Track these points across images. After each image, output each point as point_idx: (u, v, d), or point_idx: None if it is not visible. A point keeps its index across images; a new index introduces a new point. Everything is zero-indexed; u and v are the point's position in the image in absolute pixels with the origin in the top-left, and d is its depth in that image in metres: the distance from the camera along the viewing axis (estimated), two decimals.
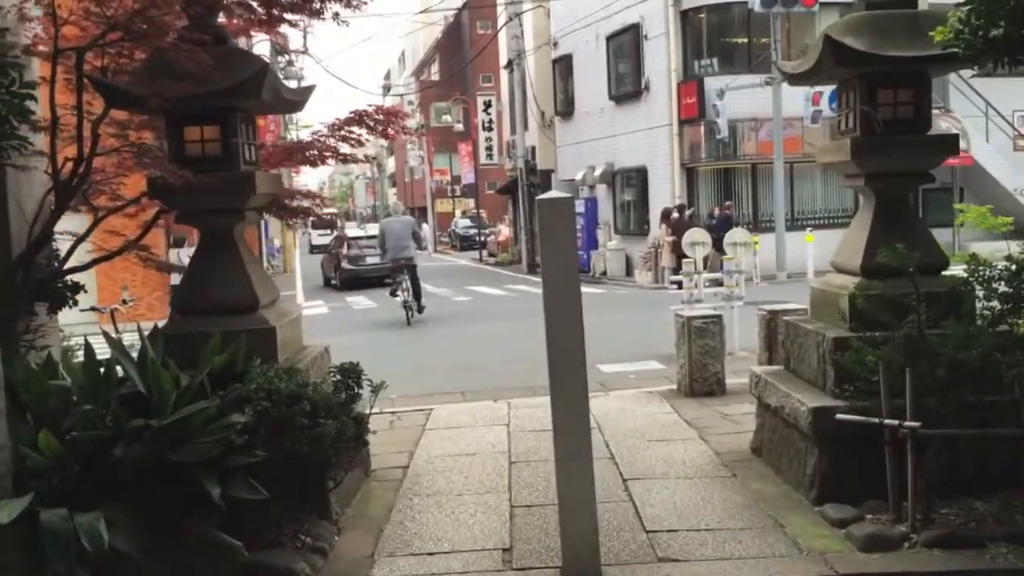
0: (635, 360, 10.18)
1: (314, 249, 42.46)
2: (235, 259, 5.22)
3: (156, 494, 4.10)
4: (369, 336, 14.09)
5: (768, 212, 21.32)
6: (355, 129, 5.85)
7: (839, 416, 4.66)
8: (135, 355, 4.53)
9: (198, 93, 4.78)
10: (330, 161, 6.37)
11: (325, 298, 22.39)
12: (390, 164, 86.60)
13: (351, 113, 5.81)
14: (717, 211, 20.34)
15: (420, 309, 15.41)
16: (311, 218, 6.17)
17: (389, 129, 5.94)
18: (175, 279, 12.56)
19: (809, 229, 20.31)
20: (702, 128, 21.05)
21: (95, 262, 5.17)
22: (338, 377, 4.75)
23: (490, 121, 34.02)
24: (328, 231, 36.13)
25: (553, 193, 4.19)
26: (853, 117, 5.25)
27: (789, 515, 4.83)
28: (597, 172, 25.05)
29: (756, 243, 13.45)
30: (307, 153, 5.79)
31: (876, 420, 4.48)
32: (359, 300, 20.87)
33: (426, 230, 51.87)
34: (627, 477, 5.62)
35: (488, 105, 34.45)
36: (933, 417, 4.38)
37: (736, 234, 10.33)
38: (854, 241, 5.41)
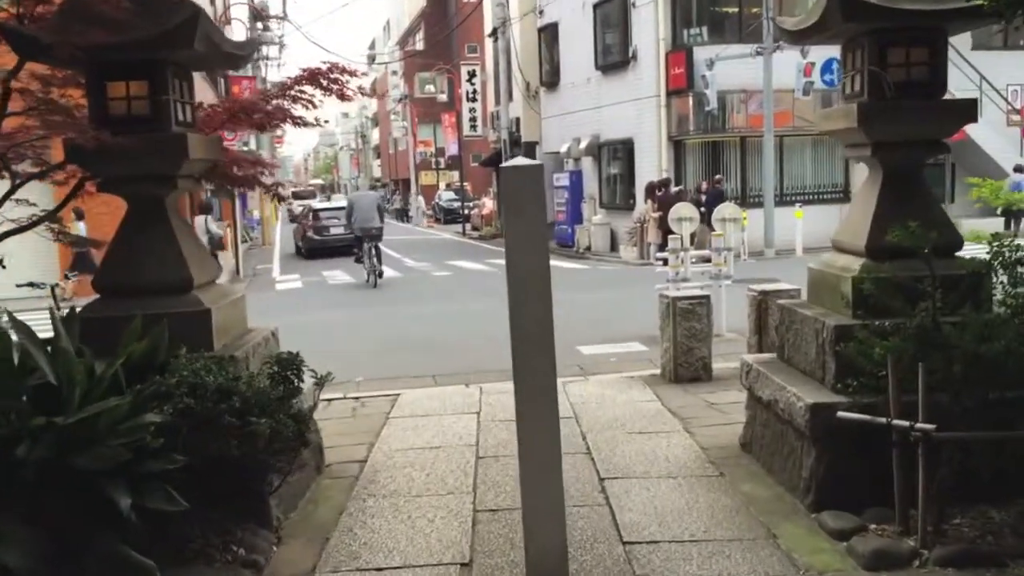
0: (617, 341, 9.67)
1: (294, 220, 41.88)
2: (166, 233, 4.64)
3: (60, 503, 3.56)
4: (343, 313, 13.52)
5: (757, 187, 20.80)
6: (307, 89, 5.25)
7: (840, 414, 4.16)
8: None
9: (118, 42, 4.18)
10: (291, 126, 5.77)
11: (301, 271, 21.78)
12: (375, 136, 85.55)
13: (302, 71, 5.21)
14: (706, 185, 19.73)
15: (380, 274, 17.28)
16: (264, 189, 5.59)
17: (346, 90, 5.35)
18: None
19: (798, 205, 19.81)
20: (690, 99, 20.46)
21: (5, 235, 4.58)
22: (275, 369, 4.17)
23: (474, 91, 33.28)
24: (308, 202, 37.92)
25: (519, 160, 3.63)
26: (860, 79, 4.70)
27: (783, 523, 4.33)
28: (582, 144, 24.43)
29: (744, 219, 12.89)
30: (253, 115, 5.19)
31: (884, 420, 3.97)
32: (335, 274, 20.26)
33: (421, 202, 51.19)
34: (604, 476, 5.11)
35: (472, 75, 33.69)
36: (947, 416, 3.88)
37: (725, 209, 9.78)
38: (858, 218, 4.88)
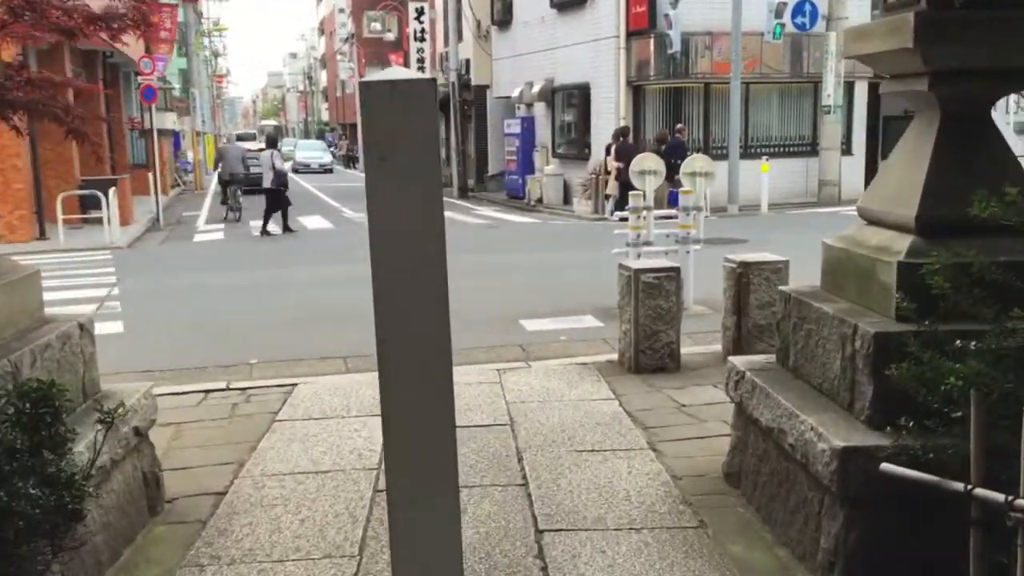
0: (568, 314, 8.29)
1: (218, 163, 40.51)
2: None
3: None
4: (259, 273, 11.91)
5: (721, 138, 19.45)
6: None
7: (886, 467, 2.81)
8: None
9: None
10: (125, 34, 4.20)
11: (229, 223, 20.01)
12: (324, 78, 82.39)
13: None
14: (669, 135, 18.20)
15: (239, 210, 19.98)
16: (57, 121, 4.03)
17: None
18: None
19: (765, 158, 18.54)
20: (652, 42, 18.93)
21: None
22: (19, 406, 2.63)
23: (422, 31, 31.24)
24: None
25: (395, 71, 2.17)
26: None
27: None
28: (535, 89, 22.82)
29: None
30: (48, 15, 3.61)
31: (960, 486, 2.64)
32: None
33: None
34: (544, 526, 3.74)
35: (420, 13, 31.60)
36: None
37: (695, 161, 8.39)
38: (901, 178, 3.51)
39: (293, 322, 8.25)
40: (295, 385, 5.99)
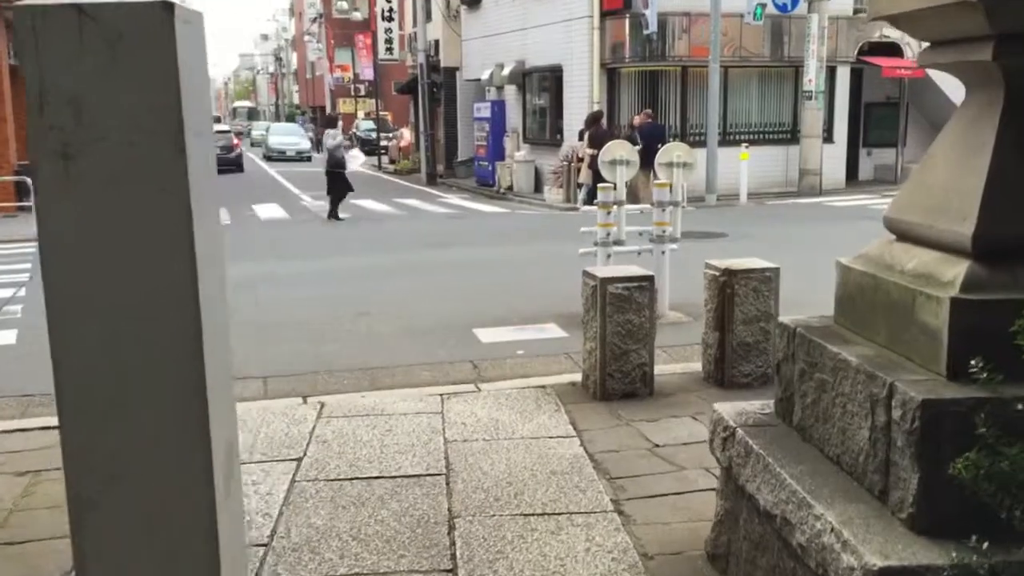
0: (528, 322, 7.37)
1: None
2: None
3: None
4: None
5: (698, 124, 18.61)
6: None
7: None
8: None
9: None
10: None
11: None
12: (294, 60, 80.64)
13: None
14: (637, 119, 17.23)
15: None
16: None
17: None
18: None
19: (744, 145, 17.70)
20: (627, 22, 18.01)
21: None
22: None
23: (391, 10, 30.10)
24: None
25: None
26: None
27: None
28: (506, 71, 21.84)
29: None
30: None
31: None
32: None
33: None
34: None
35: None
36: None
37: (673, 150, 7.46)
38: (950, 181, 2.61)
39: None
40: None
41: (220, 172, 20.08)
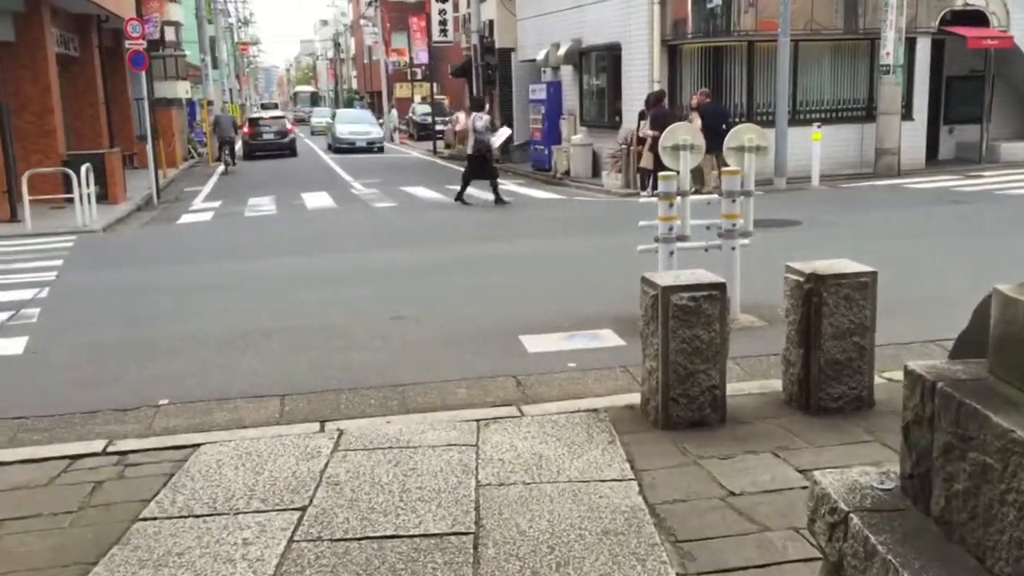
0: (581, 327, 6.60)
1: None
2: None
3: None
4: (226, 267, 10.30)
5: (766, 103, 17.50)
6: None
7: None
8: None
9: None
10: None
11: (228, 197, 18.52)
12: (352, 45, 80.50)
13: None
14: (695, 99, 16.13)
15: (233, 163, 26.39)
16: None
17: None
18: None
19: (817, 124, 16.56)
20: None
21: None
22: None
23: None
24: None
25: None
26: None
27: None
28: (561, 51, 20.93)
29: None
30: None
31: None
32: (261, 203, 17.04)
33: (394, 117, 46.66)
34: None
35: None
36: None
37: (744, 132, 6.59)
38: None
39: (242, 337, 6.63)
40: (198, 446, 4.39)
41: (273, 156, 20.69)
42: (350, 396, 5.23)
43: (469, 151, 15.63)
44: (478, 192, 15.77)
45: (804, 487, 3.63)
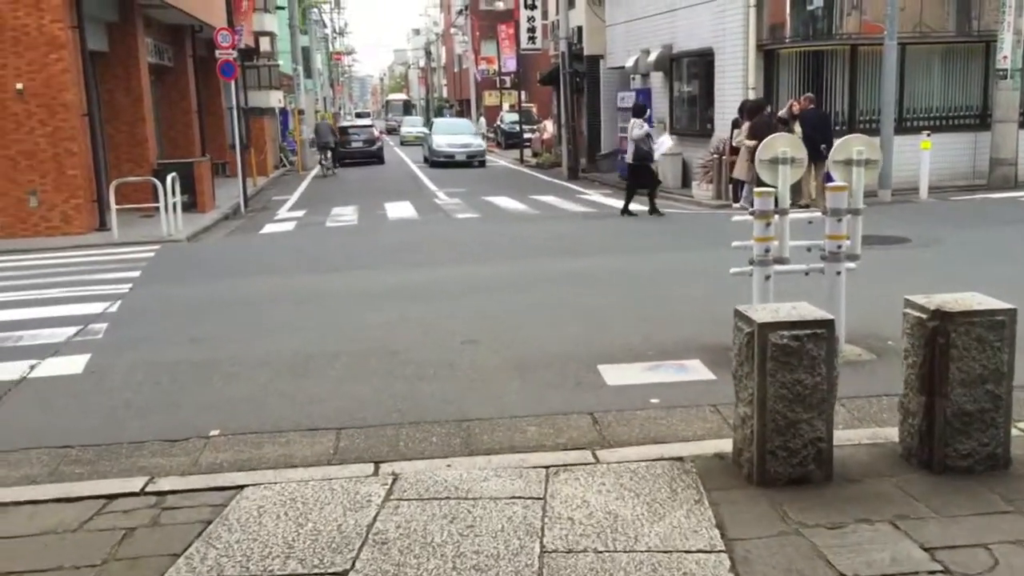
0: (666, 356, 6.04)
1: None
2: None
3: None
4: (302, 280, 10.04)
5: (869, 109, 16.55)
6: None
7: None
8: None
9: None
10: None
11: (313, 207, 18.51)
12: (443, 54, 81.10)
13: None
14: (796, 106, 15.26)
15: (332, 169, 28.76)
16: None
17: None
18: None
19: (926, 133, 15.54)
20: None
21: None
22: None
23: None
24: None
25: None
26: None
27: None
28: (651, 57, 20.31)
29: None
30: None
31: None
32: (345, 212, 16.93)
33: (482, 125, 46.46)
34: None
35: None
36: None
37: (853, 144, 5.92)
38: None
39: (303, 362, 6.29)
40: (242, 488, 4.03)
41: (361, 164, 21.05)
42: (410, 431, 4.81)
43: (629, 160, 15.02)
44: (558, 202, 15.26)
45: (932, 573, 3.04)
